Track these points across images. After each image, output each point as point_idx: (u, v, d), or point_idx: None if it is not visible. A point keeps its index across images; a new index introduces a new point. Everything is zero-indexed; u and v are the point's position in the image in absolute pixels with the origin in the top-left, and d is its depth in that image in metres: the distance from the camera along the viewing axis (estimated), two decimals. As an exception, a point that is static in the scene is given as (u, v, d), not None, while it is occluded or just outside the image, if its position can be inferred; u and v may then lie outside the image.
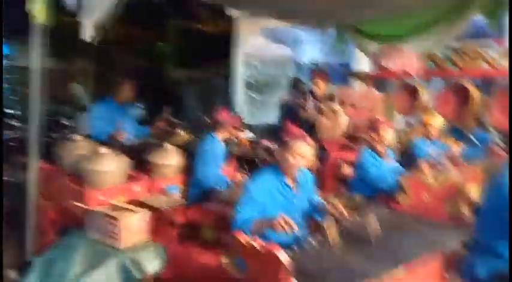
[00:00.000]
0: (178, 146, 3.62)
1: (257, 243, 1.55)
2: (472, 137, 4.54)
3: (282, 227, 1.97)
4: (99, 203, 2.90)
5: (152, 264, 2.59)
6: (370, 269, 1.71)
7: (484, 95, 4.52)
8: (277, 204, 2.28)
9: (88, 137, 3.72)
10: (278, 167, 2.34)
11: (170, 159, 3.33)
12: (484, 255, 2.22)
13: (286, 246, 2.01)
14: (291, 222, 1.99)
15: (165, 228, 2.83)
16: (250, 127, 6.90)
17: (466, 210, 2.79)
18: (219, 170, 3.23)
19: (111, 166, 2.94)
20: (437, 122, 4.01)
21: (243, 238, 1.60)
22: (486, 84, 5.05)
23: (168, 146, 3.39)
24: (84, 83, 9.53)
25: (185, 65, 9.42)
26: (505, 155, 3.66)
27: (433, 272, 2.28)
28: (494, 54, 4.21)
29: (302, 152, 2.25)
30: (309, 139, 2.33)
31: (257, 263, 1.59)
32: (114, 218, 2.56)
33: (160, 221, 2.82)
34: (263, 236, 2.10)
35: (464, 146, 4.12)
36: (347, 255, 1.89)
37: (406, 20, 5.00)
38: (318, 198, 2.59)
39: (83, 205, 2.80)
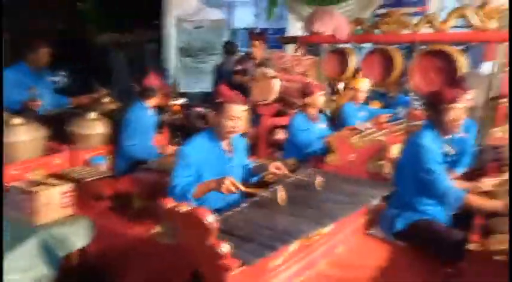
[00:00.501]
0: (104, 115, 3.40)
1: (183, 207, 1.50)
2: (394, 99, 4.82)
3: (229, 188, 1.98)
4: (14, 178, 2.65)
5: (77, 239, 2.45)
6: (298, 228, 1.75)
7: (405, 59, 4.79)
8: (212, 169, 2.24)
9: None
10: (213, 131, 2.29)
11: (94, 128, 3.13)
12: (400, 209, 2.41)
13: (220, 210, 2.02)
14: (237, 183, 2.01)
15: (91, 201, 2.68)
16: (185, 95, 6.70)
17: (387, 168, 2.99)
18: (148, 140, 3.08)
19: (23, 137, 2.68)
20: (363, 85, 4.16)
21: (168, 203, 1.54)
22: (407, 49, 5.35)
23: (92, 115, 3.17)
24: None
25: (112, 28, 8.75)
26: (422, 116, 3.94)
27: (358, 228, 2.44)
28: (415, 20, 4.42)
29: (238, 115, 2.21)
30: (243, 101, 2.29)
31: (185, 228, 1.55)
32: (30, 192, 2.35)
33: (84, 193, 2.66)
34: (199, 201, 2.08)
35: (390, 110, 4.36)
36: (276, 215, 1.92)
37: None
38: (252, 161, 2.61)
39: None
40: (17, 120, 2.76)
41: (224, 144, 2.32)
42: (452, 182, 2.33)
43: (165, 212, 1.57)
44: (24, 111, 3.28)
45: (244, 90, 3.85)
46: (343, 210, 2.01)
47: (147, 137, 3.08)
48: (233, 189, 2.01)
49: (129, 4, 8.48)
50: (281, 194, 2.05)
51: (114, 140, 3.19)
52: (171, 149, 3.04)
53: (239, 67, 4.26)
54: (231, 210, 1.98)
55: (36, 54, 3.69)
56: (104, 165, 3.01)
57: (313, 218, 1.88)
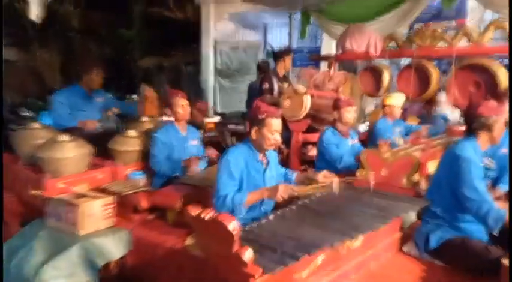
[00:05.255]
0: (143, 133, 3.58)
1: (206, 214, 1.56)
2: (432, 115, 4.69)
3: (283, 195, 2.13)
4: (60, 191, 2.85)
5: (116, 249, 2.57)
6: (325, 239, 1.76)
7: (442, 74, 4.68)
8: (250, 180, 2.34)
9: (49, 125, 3.64)
10: (250, 143, 2.39)
11: (133, 145, 3.30)
12: (435, 225, 2.33)
13: (252, 221, 2.08)
14: (292, 186, 2.19)
15: (129, 213, 2.82)
16: (222, 114, 6.88)
17: (423, 184, 2.91)
18: (174, 158, 3.20)
19: (70, 153, 2.89)
20: (398, 101, 4.10)
21: (194, 211, 1.61)
22: (445, 64, 5.22)
23: (131, 133, 3.36)
24: (49, 73, 9.26)
25: (153, 52, 9.26)
26: (461, 132, 3.81)
27: (391, 245, 2.38)
28: (453, 34, 4.33)
29: (278, 128, 2.33)
30: (281, 115, 2.41)
31: (210, 235, 1.61)
32: (74, 205, 2.52)
33: (123, 206, 2.80)
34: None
35: (427, 125, 4.25)
36: (304, 227, 1.94)
37: (369, 1, 5.07)
38: (290, 171, 2.70)
39: (41, 193, 2.74)
40: (64, 137, 2.97)
41: (260, 156, 2.41)
42: (493, 202, 2.22)
43: (192, 220, 1.64)
44: (75, 129, 3.54)
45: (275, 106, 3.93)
46: (371, 223, 1.98)
47: (173, 155, 3.20)
48: (286, 196, 2.15)
49: (170, 29, 8.96)
50: (336, 185, 2.22)
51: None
52: (196, 161, 3.13)
53: (266, 85, 4.36)
54: (257, 222, 2.02)
55: (90, 76, 3.95)
56: (142, 180, 3.15)
57: (339, 229, 1.87)
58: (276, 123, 2.31)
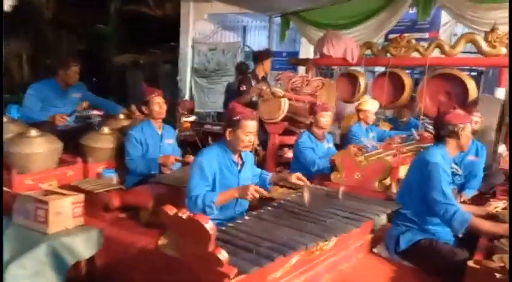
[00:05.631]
0: (118, 130, 3.52)
1: (183, 213, 1.55)
2: (404, 122, 4.84)
3: (254, 195, 2.15)
4: (29, 187, 2.76)
5: (85, 249, 2.50)
6: (297, 240, 1.77)
7: (415, 82, 4.84)
8: (224, 180, 2.34)
9: (18, 119, 3.52)
10: (224, 144, 2.38)
11: (106, 143, 3.23)
12: (405, 228, 2.41)
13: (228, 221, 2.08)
14: (261, 189, 2.20)
15: (100, 212, 2.75)
16: (198, 114, 6.84)
17: (394, 188, 3.00)
18: (149, 157, 3.15)
19: (39, 149, 2.79)
20: (372, 107, 4.21)
21: (170, 210, 1.60)
22: (417, 73, 5.40)
23: (105, 129, 3.29)
24: (20, 66, 8.92)
25: (129, 49, 9.11)
26: (431, 139, 3.95)
27: (362, 246, 2.44)
28: (426, 45, 4.49)
29: (252, 130, 2.33)
30: (257, 117, 2.42)
31: (185, 234, 1.60)
32: (43, 202, 2.44)
33: (94, 204, 2.73)
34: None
35: (400, 132, 4.38)
36: (280, 228, 1.95)
37: (349, 9, 5.19)
38: (265, 171, 2.71)
39: (9, 190, 2.64)
40: (34, 132, 2.87)
41: (235, 157, 2.41)
42: (459, 205, 2.32)
43: (168, 219, 1.62)
44: (45, 124, 3.43)
45: (252, 108, 3.95)
46: (344, 226, 2.02)
47: (150, 153, 3.16)
48: (257, 195, 2.16)
49: (148, 27, 8.85)
50: (307, 195, 2.22)
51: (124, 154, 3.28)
52: (172, 159, 3.10)
53: (243, 87, 4.38)
54: (233, 222, 2.02)
55: (67, 72, 3.83)
56: (114, 178, 3.09)
57: (314, 231, 1.90)
58: (250, 125, 2.31)
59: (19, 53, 8.96)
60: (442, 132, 2.41)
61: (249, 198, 2.19)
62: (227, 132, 2.34)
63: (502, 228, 2.12)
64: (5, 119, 3.21)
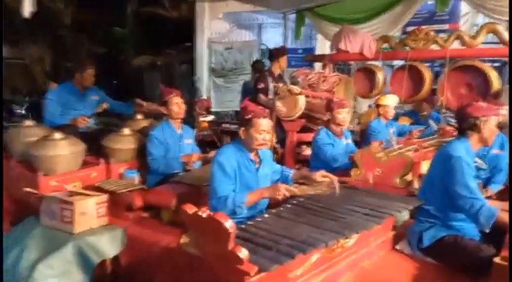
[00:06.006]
0: (137, 131, 3.58)
1: (203, 212, 1.57)
2: (425, 116, 4.75)
3: (285, 194, 2.14)
4: (54, 189, 2.84)
5: (110, 247, 2.57)
6: (317, 238, 1.77)
7: (435, 75, 4.74)
8: (242, 179, 2.34)
9: (42, 122, 3.62)
10: (241, 142, 2.39)
11: (127, 143, 3.29)
12: (428, 224, 2.36)
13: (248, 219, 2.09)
14: (291, 187, 2.20)
15: (123, 212, 2.81)
16: (216, 113, 6.88)
17: (416, 183, 2.94)
18: (169, 157, 3.20)
19: (64, 151, 2.88)
20: (392, 102, 4.14)
21: (190, 209, 1.62)
22: (438, 65, 5.28)
23: (125, 131, 3.35)
24: (42, 70, 9.17)
25: (146, 51, 9.23)
26: (454, 133, 3.86)
27: (384, 243, 2.41)
28: (445, 37, 4.39)
29: (265, 128, 2.32)
30: (269, 115, 2.40)
31: (206, 233, 1.62)
32: (68, 203, 2.51)
33: (117, 204, 2.80)
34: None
35: (419, 126, 4.31)
36: (300, 225, 1.95)
37: (364, 3, 5.12)
38: (286, 168, 2.71)
39: (35, 191, 2.73)
40: (57, 135, 2.95)
41: (252, 155, 2.42)
42: (485, 200, 2.26)
43: (188, 218, 1.64)
44: (69, 127, 3.52)
45: (268, 107, 3.95)
46: (365, 223, 2.01)
47: (171, 152, 3.20)
48: (288, 194, 2.16)
49: (164, 28, 8.94)
50: (337, 185, 2.29)
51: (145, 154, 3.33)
52: (195, 158, 3.13)
53: (261, 85, 4.37)
54: (253, 220, 2.04)
55: (83, 75, 3.94)
56: (136, 178, 3.15)
57: (334, 229, 1.89)
58: (263, 124, 2.30)
59: (41, 57, 9.21)
60: (464, 125, 2.35)
61: (281, 198, 2.17)
62: (241, 131, 2.35)
63: None
64: (29, 123, 3.32)
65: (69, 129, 3.42)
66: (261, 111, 2.35)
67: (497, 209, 2.14)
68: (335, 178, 2.42)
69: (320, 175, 2.44)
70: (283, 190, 2.14)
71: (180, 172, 3.10)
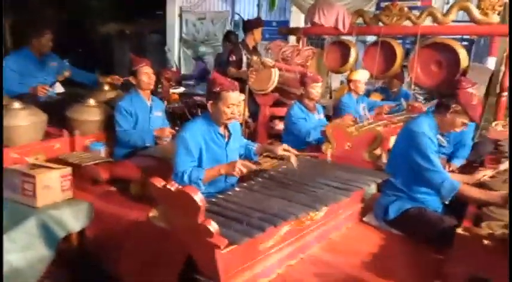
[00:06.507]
0: (105, 102, 3.44)
1: (172, 185, 1.53)
2: (395, 93, 4.82)
3: (242, 171, 2.11)
4: (15, 161, 2.70)
5: (76, 222, 2.49)
6: (287, 211, 1.78)
7: (405, 53, 4.78)
8: (210, 153, 2.30)
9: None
10: (209, 116, 2.33)
11: (93, 115, 3.16)
12: (394, 197, 2.43)
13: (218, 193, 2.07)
14: (249, 163, 2.17)
15: (89, 185, 2.73)
16: (187, 85, 6.70)
17: (384, 158, 3.01)
18: (138, 128, 3.10)
19: (24, 121, 2.72)
20: (362, 77, 4.16)
21: (158, 182, 1.57)
22: (409, 42, 5.32)
23: (91, 102, 3.20)
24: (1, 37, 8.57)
25: (114, 18, 8.79)
26: (422, 108, 3.95)
27: (352, 215, 2.47)
28: (417, 13, 4.40)
29: (234, 102, 2.26)
30: (238, 88, 2.33)
31: (175, 206, 1.59)
32: (30, 176, 2.39)
33: (83, 178, 2.70)
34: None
35: (390, 102, 4.37)
36: (270, 198, 1.95)
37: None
38: (251, 142, 2.69)
39: (-7, 164, 2.58)
40: (17, 105, 2.79)
41: (221, 129, 2.36)
42: (448, 173, 2.33)
43: (157, 191, 1.60)
44: (27, 96, 3.33)
45: (241, 80, 3.88)
46: (334, 195, 2.03)
47: (139, 125, 3.10)
48: (244, 170, 2.12)
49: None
50: (294, 160, 2.27)
51: (113, 126, 3.22)
52: (166, 132, 3.05)
53: (233, 57, 4.26)
54: (223, 194, 2.02)
55: (39, 40, 3.74)
56: (102, 151, 3.04)
57: (304, 202, 1.90)
58: (232, 97, 2.23)
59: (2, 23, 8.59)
60: (444, 103, 2.33)
61: (237, 174, 2.15)
62: (209, 105, 2.29)
63: (490, 195, 2.15)
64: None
65: (29, 99, 3.24)
66: (230, 84, 2.27)
67: (459, 182, 2.22)
68: (295, 152, 2.43)
69: (282, 149, 2.43)
70: (240, 166, 2.12)
71: (149, 145, 3.02)
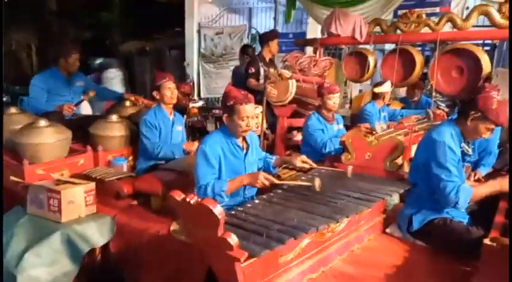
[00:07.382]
0: (127, 118, 3.52)
1: (191, 199, 1.55)
2: (415, 102, 4.74)
3: (264, 183, 2.13)
4: (40, 177, 2.79)
5: (99, 236, 2.54)
6: (307, 223, 1.76)
7: (425, 60, 4.70)
8: (229, 165, 2.31)
9: (27, 110, 3.54)
10: (227, 129, 2.35)
11: (115, 131, 3.24)
12: (417, 207, 2.36)
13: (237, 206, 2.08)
14: (270, 177, 2.17)
15: (112, 200, 2.78)
16: (206, 99, 6.81)
17: (405, 166, 2.94)
18: (164, 141, 3.15)
19: (49, 139, 2.81)
20: (387, 88, 4.13)
21: (178, 196, 1.59)
22: (429, 49, 5.24)
23: (113, 118, 3.29)
24: (29, 58, 8.96)
25: (135, 36, 9.05)
26: (444, 116, 3.86)
27: (374, 227, 2.42)
28: (436, 20, 4.34)
29: (249, 114, 2.27)
30: (253, 100, 2.34)
31: (195, 220, 1.60)
32: (55, 191, 2.46)
33: (106, 192, 2.76)
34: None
35: (411, 111, 4.31)
36: (290, 210, 1.94)
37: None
38: (269, 154, 2.69)
39: (21, 180, 2.67)
40: (43, 123, 2.88)
41: (239, 141, 2.38)
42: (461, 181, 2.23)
43: (177, 205, 1.62)
44: (53, 114, 3.45)
45: (260, 92, 3.90)
46: (355, 206, 2.00)
47: (163, 138, 3.16)
48: (267, 183, 2.14)
49: (153, 12, 8.75)
50: (318, 181, 2.18)
51: (135, 141, 3.29)
52: (189, 146, 3.09)
53: (252, 70, 4.30)
54: (243, 206, 2.02)
55: (67, 60, 3.86)
56: (125, 166, 3.10)
57: (324, 213, 1.88)
58: (246, 110, 2.24)
59: (28, 44, 8.98)
60: (467, 111, 2.22)
61: (259, 186, 2.16)
62: (224, 118, 2.31)
63: (495, 185, 2.12)
64: (14, 111, 3.24)
65: (55, 117, 3.35)
66: (243, 96, 2.27)
67: (470, 187, 2.14)
68: (312, 164, 2.42)
69: (300, 160, 2.42)
70: (262, 178, 2.13)
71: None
